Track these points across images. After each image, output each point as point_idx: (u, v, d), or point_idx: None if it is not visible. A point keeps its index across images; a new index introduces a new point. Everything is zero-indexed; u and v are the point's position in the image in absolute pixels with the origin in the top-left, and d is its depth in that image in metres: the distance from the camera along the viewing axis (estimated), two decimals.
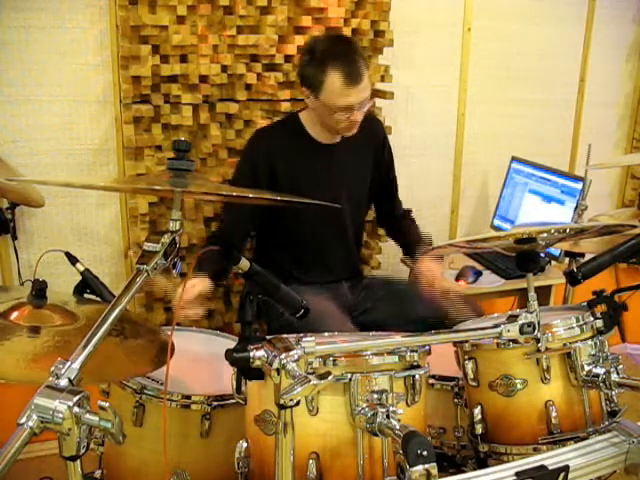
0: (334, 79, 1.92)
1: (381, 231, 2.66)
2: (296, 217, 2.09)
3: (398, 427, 1.12)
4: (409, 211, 2.42)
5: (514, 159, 2.86)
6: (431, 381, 1.66)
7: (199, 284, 1.77)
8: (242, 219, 2.12)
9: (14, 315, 1.38)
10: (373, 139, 2.25)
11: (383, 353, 1.27)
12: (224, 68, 2.29)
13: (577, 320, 1.47)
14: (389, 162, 2.33)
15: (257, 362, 1.14)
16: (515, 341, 1.41)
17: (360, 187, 2.25)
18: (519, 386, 1.43)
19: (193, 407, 1.46)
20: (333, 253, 2.23)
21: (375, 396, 1.22)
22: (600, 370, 1.41)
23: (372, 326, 2.03)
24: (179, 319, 1.75)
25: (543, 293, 2.51)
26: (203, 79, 2.27)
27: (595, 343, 1.46)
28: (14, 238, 2.30)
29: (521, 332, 1.37)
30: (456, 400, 1.66)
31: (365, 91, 1.97)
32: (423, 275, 2.11)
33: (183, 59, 2.24)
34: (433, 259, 2.15)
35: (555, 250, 2.52)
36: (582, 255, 2.06)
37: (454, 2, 2.79)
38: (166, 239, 1.17)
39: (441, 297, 2.07)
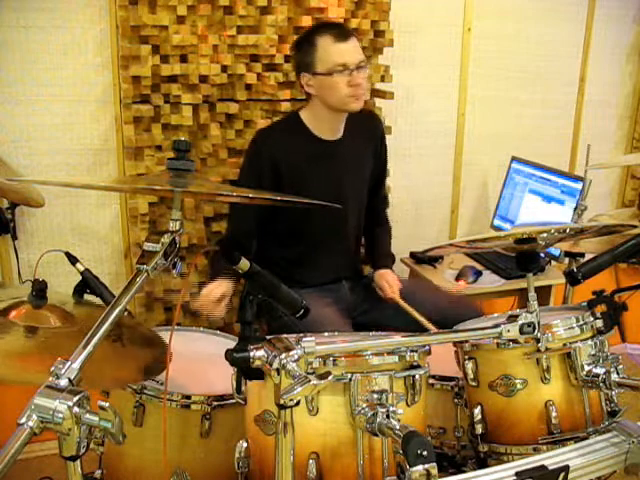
0: (324, 41, 1.99)
1: None
2: (298, 216, 2.09)
3: (398, 427, 1.12)
4: (386, 218, 2.43)
5: (514, 159, 2.86)
6: (431, 381, 1.66)
7: (221, 287, 1.81)
8: (249, 220, 2.13)
9: (12, 314, 1.38)
10: (373, 136, 2.26)
11: (383, 353, 1.27)
12: (224, 68, 2.29)
13: (577, 320, 1.46)
14: (384, 160, 2.33)
15: (257, 362, 1.14)
16: (515, 341, 1.41)
17: (361, 183, 2.25)
18: (519, 386, 1.43)
19: (193, 407, 1.46)
20: (334, 251, 2.22)
21: (375, 396, 1.22)
22: (600, 370, 1.41)
23: (372, 326, 2.03)
24: (181, 315, 1.77)
25: (543, 293, 2.51)
26: (203, 79, 2.27)
27: (595, 343, 1.46)
28: (14, 238, 2.30)
29: (521, 332, 1.37)
30: (456, 400, 1.66)
31: (357, 50, 2.02)
32: (380, 287, 2.19)
33: (183, 59, 2.24)
34: (391, 273, 2.24)
35: (555, 250, 2.52)
36: (582, 255, 2.06)
37: (454, 2, 2.79)
38: (166, 239, 1.17)
39: (441, 297, 2.08)
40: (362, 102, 2.06)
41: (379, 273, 2.24)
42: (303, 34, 2.12)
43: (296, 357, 1.10)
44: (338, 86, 1.99)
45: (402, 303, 2.10)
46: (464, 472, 1.41)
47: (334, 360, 1.23)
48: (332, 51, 1.98)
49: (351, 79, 1.98)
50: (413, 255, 2.71)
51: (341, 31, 2.01)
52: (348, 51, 1.98)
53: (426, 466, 1.02)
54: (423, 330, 1.38)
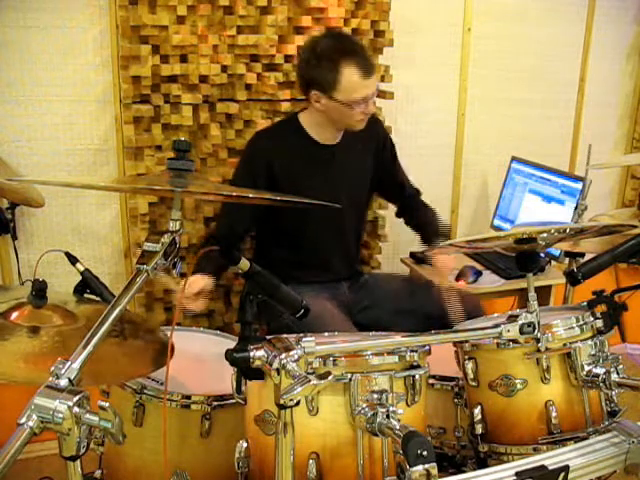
0: (350, 75, 1.95)
1: (381, 231, 2.66)
2: (295, 218, 2.10)
3: (398, 427, 1.12)
4: (424, 203, 2.40)
5: (514, 159, 2.86)
6: (431, 381, 1.67)
7: (200, 280, 1.79)
8: (240, 220, 2.13)
9: (14, 315, 1.38)
10: (373, 140, 2.26)
11: (383, 353, 1.27)
12: (224, 68, 2.29)
13: (577, 320, 1.46)
14: (392, 160, 2.33)
15: (257, 362, 1.14)
16: (515, 341, 1.41)
17: (360, 188, 2.25)
18: (519, 386, 1.43)
19: (193, 407, 1.47)
20: (332, 254, 2.23)
21: (375, 396, 1.22)
22: (600, 370, 1.41)
23: (371, 324, 2.04)
24: (180, 315, 1.76)
25: (543, 293, 2.51)
26: (203, 79, 2.27)
27: (595, 343, 1.46)
28: (14, 238, 2.30)
29: (521, 332, 1.37)
30: (456, 400, 1.66)
31: (376, 81, 2.03)
32: (437, 269, 2.16)
33: (183, 59, 2.24)
34: (447, 255, 2.19)
35: (555, 250, 2.51)
36: (582, 255, 2.05)
37: (454, 2, 2.79)
38: (166, 239, 1.17)
39: (442, 294, 2.08)
40: (366, 122, 2.08)
41: (435, 258, 2.19)
42: (324, 49, 1.99)
43: (296, 357, 1.10)
44: (352, 115, 2.01)
45: (449, 287, 2.09)
46: (464, 472, 1.42)
47: (334, 360, 1.23)
48: (358, 86, 1.96)
49: (366, 109, 2.01)
50: (413, 255, 2.70)
51: (368, 67, 1.98)
52: (371, 87, 1.99)
53: (426, 466, 1.02)
54: (423, 327, 1.38)
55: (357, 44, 2.07)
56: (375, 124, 2.30)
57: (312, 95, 2.02)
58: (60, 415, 0.90)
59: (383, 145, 2.29)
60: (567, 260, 2.20)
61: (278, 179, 2.08)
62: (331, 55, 1.96)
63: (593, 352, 1.45)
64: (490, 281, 2.53)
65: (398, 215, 2.45)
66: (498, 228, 2.88)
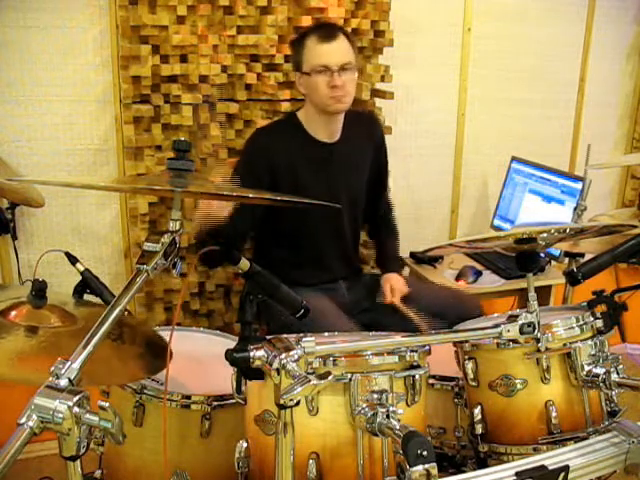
0: (310, 42, 2.00)
1: None
2: (294, 216, 2.09)
3: (398, 427, 1.12)
4: (392, 221, 2.42)
5: (514, 159, 2.86)
6: (431, 381, 1.66)
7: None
8: (244, 219, 2.12)
9: (12, 314, 1.38)
10: (372, 139, 2.25)
11: (383, 353, 1.27)
12: (224, 68, 2.29)
13: (577, 320, 1.46)
14: (384, 163, 2.33)
15: (257, 362, 1.14)
16: (515, 341, 1.41)
17: (358, 185, 2.24)
18: (519, 386, 1.43)
19: (193, 407, 1.46)
20: (331, 252, 2.22)
21: (375, 396, 1.22)
22: (600, 370, 1.41)
23: (371, 325, 2.03)
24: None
25: (543, 293, 2.51)
26: (203, 79, 2.27)
27: (595, 343, 1.46)
28: (14, 238, 2.30)
29: (521, 332, 1.37)
30: (456, 400, 1.66)
31: (341, 52, 2.00)
32: (384, 291, 2.18)
33: (183, 59, 2.24)
34: (398, 277, 2.23)
35: (555, 250, 2.52)
36: (582, 255, 2.06)
37: (454, 2, 2.79)
38: (166, 239, 1.17)
39: (442, 296, 2.08)
40: (345, 105, 2.05)
41: (385, 277, 2.24)
42: (298, 34, 2.14)
43: (296, 357, 1.10)
44: (318, 87, 2.00)
45: (401, 308, 2.10)
46: (464, 472, 1.42)
47: (334, 360, 1.23)
48: (315, 51, 1.99)
49: (331, 80, 1.98)
50: (413, 255, 2.70)
51: (328, 31, 2.01)
52: (330, 52, 1.98)
53: (426, 466, 1.02)
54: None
55: (329, 23, 2.14)
56: (374, 123, 2.30)
57: (295, 79, 2.08)
58: (60, 415, 0.90)
59: (380, 144, 2.29)
60: (567, 260, 2.20)
61: (279, 177, 2.07)
62: (300, 35, 2.07)
63: (593, 352, 1.45)
64: (490, 281, 2.53)
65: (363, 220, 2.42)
66: (498, 228, 2.88)
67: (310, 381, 1.04)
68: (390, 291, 2.17)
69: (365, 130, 2.18)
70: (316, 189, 2.07)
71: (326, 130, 2.12)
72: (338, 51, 2.00)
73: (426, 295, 2.15)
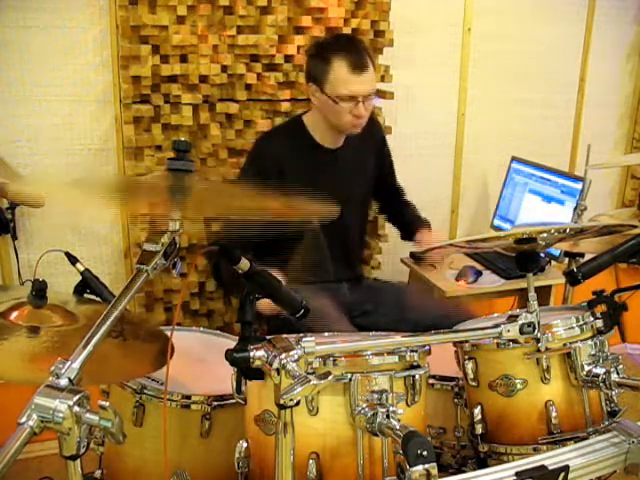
0: (339, 67, 1.95)
1: (381, 231, 2.66)
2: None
3: (398, 427, 1.12)
4: (407, 200, 2.46)
5: (514, 159, 2.86)
6: (431, 381, 1.66)
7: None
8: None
9: (14, 315, 1.38)
10: (373, 140, 2.26)
11: (383, 353, 1.27)
12: (224, 68, 2.29)
13: (577, 320, 1.46)
14: (388, 159, 2.34)
15: (257, 362, 1.14)
16: (515, 341, 1.41)
17: (363, 190, 2.25)
18: (519, 386, 1.43)
19: (193, 407, 1.46)
20: (334, 254, 2.22)
21: (375, 396, 1.22)
22: (600, 370, 1.41)
23: (371, 328, 2.03)
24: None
25: (543, 293, 2.51)
26: (203, 79, 2.27)
27: (595, 343, 1.46)
28: (14, 238, 2.30)
29: (521, 332, 1.37)
30: (456, 400, 1.66)
31: (370, 83, 2.00)
32: (421, 244, 2.21)
33: (183, 59, 2.24)
34: (425, 232, 2.26)
35: (555, 250, 2.52)
36: (582, 255, 2.05)
37: (454, 2, 2.79)
38: (166, 239, 1.17)
39: (441, 304, 2.08)
40: (361, 128, 2.06)
41: (419, 234, 2.26)
42: (321, 43, 2.08)
43: (296, 357, 1.10)
44: (341, 113, 2.00)
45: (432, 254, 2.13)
46: (464, 472, 1.42)
47: (334, 360, 1.23)
48: (344, 80, 1.95)
49: (355, 110, 1.98)
50: (413, 255, 2.70)
51: (359, 61, 1.96)
52: (361, 84, 1.96)
53: (426, 466, 1.02)
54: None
55: (357, 42, 2.06)
56: (374, 124, 2.30)
57: (309, 88, 2.05)
58: (60, 414, 0.90)
59: (382, 144, 2.29)
60: (567, 260, 2.20)
61: (286, 181, 2.07)
62: (327, 48, 2.01)
63: (593, 352, 1.45)
64: (490, 281, 2.53)
65: (381, 211, 2.49)
66: (498, 228, 2.88)
67: (310, 381, 1.04)
68: (426, 241, 2.19)
69: (366, 133, 2.18)
70: (320, 193, 2.06)
71: (332, 138, 2.13)
72: (367, 82, 1.98)
73: (416, 309, 2.15)
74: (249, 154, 2.22)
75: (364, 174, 2.24)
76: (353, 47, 2.01)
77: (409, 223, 2.36)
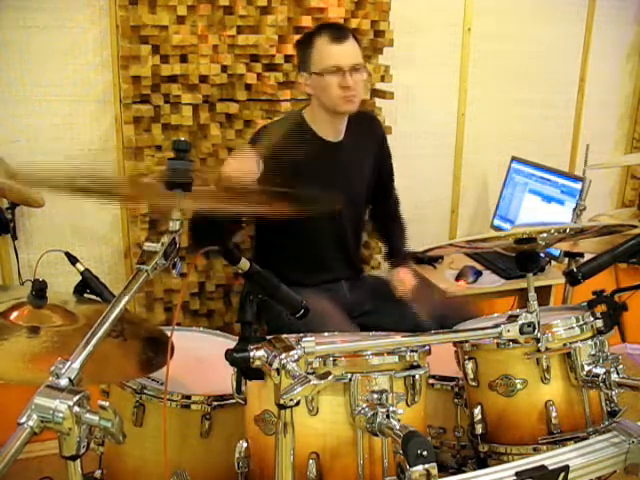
0: (320, 43, 2.00)
1: None
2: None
3: (398, 427, 1.12)
4: (399, 215, 2.44)
5: (514, 159, 2.86)
6: (431, 381, 1.66)
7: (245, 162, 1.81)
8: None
9: (14, 315, 1.38)
10: (374, 138, 2.26)
11: (383, 353, 1.27)
12: (224, 68, 2.29)
13: (577, 320, 1.46)
14: (388, 160, 2.33)
15: (257, 362, 1.14)
16: (515, 341, 1.41)
17: (361, 186, 2.25)
18: (519, 386, 1.43)
19: (193, 407, 1.46)
20: (332, 253, 2.22)
21: (375, 396, 1.22)
22: (600, 370, 1.41)
23: (371, 328, 2.03)
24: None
25: (543, 293, 2.51)
26: (203, 79, 2.27)
27: (595, 343, 1.46)
28: (14, 238, 2.30)
29: (521, 332, 1.37)
30: (456, 400, 1.66)
31: (353, 53, 2.02)
32: (396, 283, 2.20)
33: (183, 59, 2.24)
34: (407, 270, 2.25)
35: (555, 250, 2.52)
36: (582, 255, 2.05)
37: (454, 2, 2.79)
38: (166, 239, 1.17)
39: (442, 302, 2.08)
40: (355, 105, 2.06)
41: (395, 272, 2.25)
42: (305, 34, 2.13)
43: (296, 357, 1.10)
44: (330, 87, 2.00)
45: (410, 302, 2.11)
46: (464, 472, 1.42)
47: (334, 360, 1.23)
48: (326, 52, 1.99)
49: (342, 80, 1.99)
50: (413, 255, 2.70)
51: (339, 32, 2.01)
52: (342, 53, 1.99)
53: (426, 466, 1.02)
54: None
55: (337, 24, 2.12)
56: (374, 123, 2.30)
57: (301, 79, 2.07)
58: (60, 414, 0.90)
59: (382, 143, 2.30)
60: (567, 260, 2.20)
61: (286, 171, 2.06)
62: (308, 35, 2.07)
63: (593, 352, 1.45)
64: (490, 281, 2.53)
65: (371, 218, 2.45)
66: (498, 228, 2.88)
67: (310, 381, 1.04)
68: (400, 284, 2.17)
69: (367, 129, 2.18)
70: (319, 188, 2.06)
71: (332, 130, 2.13)
72: (350, 52, 2.01)
73: (428, 303, 2.15)
74: (250, 140, 2.20)
75: (363, 168, 2.24)
76: (332, 25, 2.08)
77: (393, 251, 2.37)
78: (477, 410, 1.49)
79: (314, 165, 2.11)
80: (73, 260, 1.66)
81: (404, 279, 2.20)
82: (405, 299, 2.13)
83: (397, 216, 2.42)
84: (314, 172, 2.10)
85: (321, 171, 2.12)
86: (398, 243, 2.37)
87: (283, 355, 1.09)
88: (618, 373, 1.41)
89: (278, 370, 1.08)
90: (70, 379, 0.95)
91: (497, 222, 2.90)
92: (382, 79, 2.52)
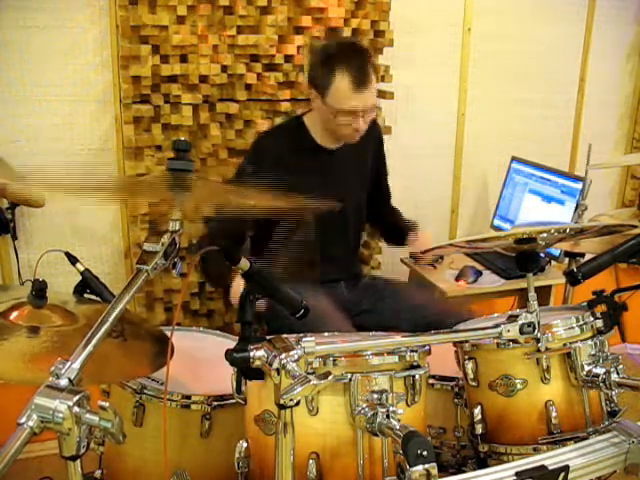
0: (341, 81, 1.93)
1: None
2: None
3: (398, 427, 1.12)
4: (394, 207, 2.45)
5: (514, 159, 2.86)
6: (431, 381, 1.66)
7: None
8: (243, 220, 2.12)
9: (14, 315, 1.38)
10: (372, 141, 2.26)
11: (383, 353, 1.27)
12: (224, 68, 2.29)
13: (577, 320, 1.46)
14: (383, 160, 2.34)
15: (257, 362, 1.14)
16: (515, 341, 1.41)
17: (361, 191, 2.26)
18: (519, 386, 1.43)
19: (193, 407, 1.46)
20: (332, 257, 2.22)
21: (375, 396, 1.22)
22: (600, 370, 1.41)
23: (370, 328, 2.03)
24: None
25: (543, 293, 2.51)
26: (203, 79, 2.27)
27: (595, 343, 1.46)
28: (14, 238, 2.30)
29: (521, 332, 1.37)
30: (456, 400, 1.66)
31: (370, 99, 1.99)
32: (415, 244, 2.25)
33: (183, 59, 2.24)
34: (420, 233, 2.28)
35: (555, 250, 2.52)
36: (582, 255, 2.05)
37: (454, 2, 2.79)
38: (166, 239, 1.17)
39: (440, 303, 2.08)
40: (359, 137, 2.06)
41: (411, 236, 2.28)
42: (326, 50, 2.04)
43: (296, 357, 1.10)
44: (340, 125, 2.00)
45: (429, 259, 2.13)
46: (464, 472, 1.42)
47: (334, 360, 1.23)
48: (345, 96, 1.94)
49: (355, 123, 1.98)
50: (413, 255, 2.70)
51: (362, 77, 1.94)
52: (361, 101, 1.96)
53: (426, 466, 1.02)
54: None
55: (363, 56, 2.00)
56: (374, 125, 2.30)
57: (310, 91, 2.04)
58: (60, 415, 0.90)
59: (380, 145, 2.30)
60: (567, 260, 2.20)
61: (284, 180, 2.06)
62: (333, 58, 1.97)
63: (593, 352, 1.45)
64: (490, 281, 2.53)
65: (368, 217, 2.42)
66: (498, 228, 2.88)
67: (310, 381, 1.04)
68: (423, 243, 2.21)
69: (367, 134, 2.18)
70: (319, 192, 2.06)
71: (332, 139, 2.13)
72: (368, 99, 1.98)
73: (414, 309, 2.15)
74: (248, 151, 2.22)
75: (362, 174, 2.24)
76: (356, 59, 1.97)
77: (399, 227, 2.37)
78: (477, 410, 1.49)
79: (313, 170, 2.11)
80: (73, 260, 1.66)
81: (425, 240, 2.22)
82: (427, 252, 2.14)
83: (392, 206, 2.44)
84: (312, 177, 2.10)
85: (319, 178, 2.11)
86: (402, 221, 2.38)
87: (283, 355, 1.09)
88: (618, 373, 1.41)
89: (278, 370, 1.08)
90: (70, 379, 0.95)
91: (497, 222, 2.90)
92: (382, 79, 2.52)
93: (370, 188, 2.31)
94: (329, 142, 2.13)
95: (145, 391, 1.46)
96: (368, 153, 2.24)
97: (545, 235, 1.38)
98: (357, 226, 2.30)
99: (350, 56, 1.98)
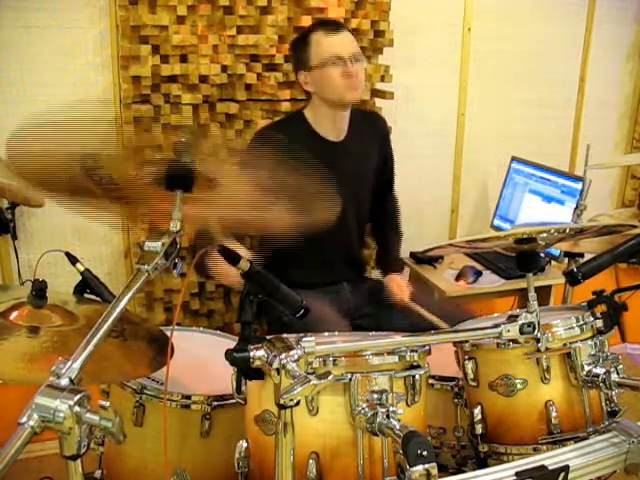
0: (316, 36, 2.02)
1: None
2: None
3: (398, 427, 1.12)
4: (398, 224, 2.43)
5: (514, 159, 2.86)
6: (431, 381, 1.66)
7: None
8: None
9: (14, 315, 1.38)
10: (377, 136, 2.26)
11: (383, 353, 1.27)
12: (224, 68, 2.29)
13: (577, 320, 1.46)
14: (390, 161, 2.33)
15: (257, 362, 1.14)
16: (515, 341, 1.41)
17: (364, 186, 2.24)
18: (519, 386, 1.43)
19: (193, 407, 1.46)
20: (335, 253, 2.22)
21: (375, 396, 1.22)
22: (600, 370, 1.41)
23: (373, 330, 2.03)
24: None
25: (543, 293, 2.51)
26: (203, 79, 2.27)
27: (595, 343, 1.46)
28: (14, 238, 2.30)
29: (521, 332, 1.37)
30: (456, 400, 1.66)
31: (351, 43, 2.04)
32: (391, 291, 2.19)
33: (183, 59, 2.24)
34: (401, 277, 2.26)
35: (555, 250, 2.52)
36: (582, 255, 2.05)
37: (454, 2, 2.79)
38: (166, 239, 1.17)
39: (441, 306, 2.08)
40: (359, 93, 2.06)
41: (389, 278, 2.25)
42: (299, 34, 2.15)
43: (296, 357, 1.10)
44: (332, 78, 2.00)
45: (412, 305, 2.11)
46: (464, 472, 1.41)
47: (334, 360, 1.23)
48: (325, 44, 2.00)
49: (345, 69, 1.99)
50: (413, 255, 2.71)
51: (332, 24, 2.05)
52: (341, 42, 2.01)
53: (426, 466, 1.02)
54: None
55: (327, 19, 2.15)
56: (377, 120, 2.30)
57: (300, 78, 2.07)
58: (61, 414, 0.90)
59: (385, 140, 2.29)
60: (567, 260, 2.20)
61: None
62: (302, 35, 2.09)
63: (593, 352, 1.45)
64: (490, 281, 2.53)
65: (370, 218, 2.42)
66: (498, 228, 2.88)
67: (310, 381, 1.04)
68: (399, 291, 2.17)
69: (370, 128, 2.18)
70: (323, 184, 2.06)
71: (334, 128, 2.12)
72: (348, 41, 2.03)
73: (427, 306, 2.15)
74: (250, 142, 2.20)
75: (366, 167, 2.23)
76: (326, 21, 2.11)
77: (387, 258, 2.37)
78: (477, 410, 1.49)
79: (314, 161, 2.10)
80: (73, 260, 1.66)
81: (400, 286, 2.19)
82: (404, 305, 2.13)
83: (395, 221, 2.42)
84: (314, 173, 2.09)
85: (321, 172, 2.11)
86: (394, 251, 2.38)
87: (283, 355, 1.09)
88: (618, 373, 1.41)
89: (278, 370, 1.08)
90: (71, 379, 0.95)
91: (497, 222, 2.90)
92: (382, 79, 2.52)
93: (375, 186, 2.29)
94: (332, 133, 2.13)
95: (145, 391, 1.46)
96: (372, 147, 2.23)
97: (545, 235, 1.38)
98: (360, 223, 2.28)
99: (317, 22, 2.14)
